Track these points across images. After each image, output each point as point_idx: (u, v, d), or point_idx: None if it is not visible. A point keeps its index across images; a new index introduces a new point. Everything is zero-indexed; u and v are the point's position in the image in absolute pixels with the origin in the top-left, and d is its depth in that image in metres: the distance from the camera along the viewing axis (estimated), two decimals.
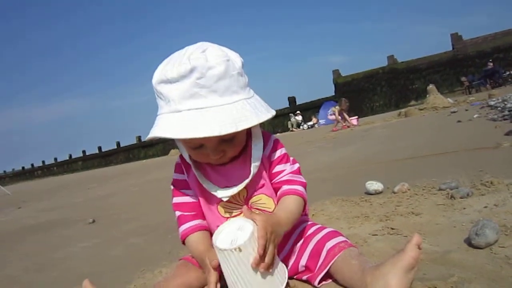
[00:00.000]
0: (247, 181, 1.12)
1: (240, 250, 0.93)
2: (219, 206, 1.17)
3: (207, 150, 1.06)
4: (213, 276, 1.03)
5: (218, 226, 1.09)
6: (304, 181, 1.20)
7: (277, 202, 1.16)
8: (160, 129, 0.99)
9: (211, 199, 1.17)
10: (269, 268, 0.96)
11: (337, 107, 12.57)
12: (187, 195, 1.22)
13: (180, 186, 1.23)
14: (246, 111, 0.99)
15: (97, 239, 2.61)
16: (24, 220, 4.68)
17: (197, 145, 1.06)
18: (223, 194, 1.13)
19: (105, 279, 1.67)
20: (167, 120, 0.99)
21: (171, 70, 0.98)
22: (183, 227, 1.19)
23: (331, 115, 12.97)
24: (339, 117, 12.30)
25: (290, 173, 1.19)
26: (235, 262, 0.94)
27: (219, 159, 1.10)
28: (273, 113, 1.09)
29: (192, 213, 1.21)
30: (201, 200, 1.20)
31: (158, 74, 1.02)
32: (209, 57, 0.98)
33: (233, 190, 1.12)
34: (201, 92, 0.96)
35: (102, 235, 2.74)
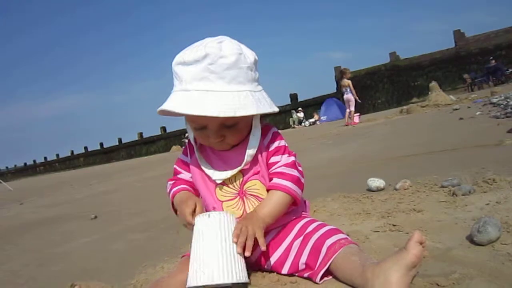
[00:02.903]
0: (240, 167, 1.19)
1: (208, 216, 1.07)
2: (216, 189, 1.23)
3: (208, 132, 1.14)
4: (188, 208, 1.15)
5: (214, 207, 1.22)
6: (296, 174, 1.20)
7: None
8: (168, 104, 1.10)
9: (209, 182, 1.24)
10: (238, 243, 1.03)
11: (344, 79, 11.42)
12: (184, 174, 1.33)
13: (181, 166, 1.34)
14: (248, 101, 1.08)
15: (99, 235, 2.61)
16: (26, 215, 4.70)
17: (200, 125, 1.14)
18: (218, 176, 1.21)
19: (107, 275, 1.68)
20: (175, 96, 1.10)
21: (189, 54, 1.09)
22: (173, 190, 1.29)
23: (348, 93, 11.38)
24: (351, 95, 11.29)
25: (284, 165, 1.21)
26: (201, 227, 1.07)
27: (219, 144, 1.17)
28: (276, 109, 1.16)
29: (180, 181, 1.32)
30: (200, 182, 1.26)
31: (178, 57, 1.13)
32: (223, 48, 1.08)
33: (227, 174, 1.20)
34: (210, 77, 1.06)
35: (104, 230, 2.74)
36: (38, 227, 3.52)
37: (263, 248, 1.07)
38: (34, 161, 63.83)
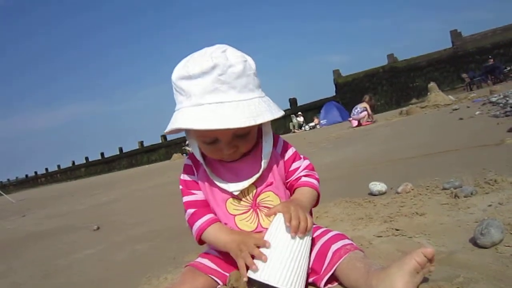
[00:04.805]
0: (257, 175, 1.16)
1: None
2: (227, 203, 1.20)
3: (220, 145, 1.11)
4: (248, 259, 1.03)
5: (226, 223, 1.17)
6: (318, 177, 1.27)
7: (293, 192, 1.23)
8: (182, 121, 1.05)
9: (219, 197, 1.20)
10: (303, 230, 1.02)
11: (364, 104, 11.93)
12: (198, 194, 1.24)
13: (190, 186, 1.25)
14: (261, 108, 1.07)
15: (102, 245, 2.61)
16: (28, 227, 4.69)
17: (212, 139, 1.11)
18: (235, 188, 1.17)
19: (110, 286, 1.67)
20: (188, 113, 1.04)
21: (193, 67, 1.05)
22: (199, 222, 1.19)
23: (362, 111, 11.77)
24: (369, 112, 11.74)
25: (305, 168, 1.26)
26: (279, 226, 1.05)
27: (231, 155, 1.14)
28: (283, 113, 1.15)
29: (205, 209, 1.22)
30: (210, 197, 1.22)
31: (179, 71, 1.08)
32: (229, 57, 1.06)
33: (244, 184, 1.17)
34: (222, 88, 1.03)
35: (107, 241, 2.74)
36: (41, 239, 3.52)
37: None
38: (36, 172, 63.86)
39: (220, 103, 1.03)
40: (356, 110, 11.95)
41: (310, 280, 1.11)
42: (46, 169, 61.57)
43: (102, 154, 50.56)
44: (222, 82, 1.03)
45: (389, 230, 1.48)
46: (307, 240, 1.07)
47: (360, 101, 12.33)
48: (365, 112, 11.81)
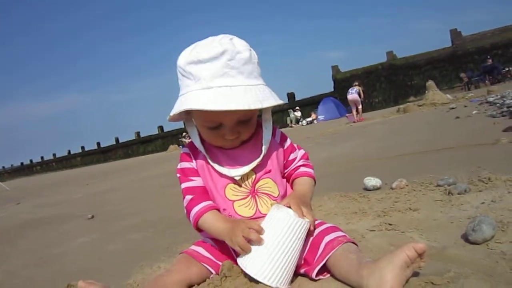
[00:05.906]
0: (259, 159, 1.19)
1: (287, 213, 1.09)
2: (226, 189, 1.21)
3: (223, 131, 1.14)
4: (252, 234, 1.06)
5: (224, 209, 1.19)
6: (312, 165, 1.34)
7: (292, 182, 1.30)
8: (192, 103, 1.06)
9: (219, 182, 1.22)
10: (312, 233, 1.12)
11: (357, 86, 12.75)
12: (196, 180, 1.24)
13: (188, 174, 1.25)
14: (267, 93, 1.12)
15: (96, 235, 2.61)
16: (23, 215, 4.68)
17: (216, 124, 1.13)
18: (236, 173, 1.19)
19: (104, 274, 1.68)
20: (196, 95, 1.07)
21: (203, 52, 1.08)
22: (196, 208, 1.19)
23: (355, 92, 12.65)
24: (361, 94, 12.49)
25: (302, 158, 1.32)
26: (276, 217, 1.08)
27: (233, 141, 1.18)
28: (282, 101, 1.19)
29: (203, 196, 1.22)
30: (209, 183, 1.23)
31: (187, 56, 1.12)
32: (236, 44, 1.11)
33: (245, 169, 1.19)
34: (231, 73, 1.08)
35: (101, 230, 2.74)
36: (35, 227, 3.52)
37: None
38: (31, 160, 63.56)
39: (229, 86, 1.06)
40: (354, 90, 12.73)
41: (302, 270, 1.12)
42: (42, 157, 61.35)
43: (98, 143, 50.36)
44: (231, 67, 1.07)
45: (382, 224, 1.49)
46: (302, 238, 1.08)
47: (352, 85, 13.27)
48: (355, 96, 12.52)
